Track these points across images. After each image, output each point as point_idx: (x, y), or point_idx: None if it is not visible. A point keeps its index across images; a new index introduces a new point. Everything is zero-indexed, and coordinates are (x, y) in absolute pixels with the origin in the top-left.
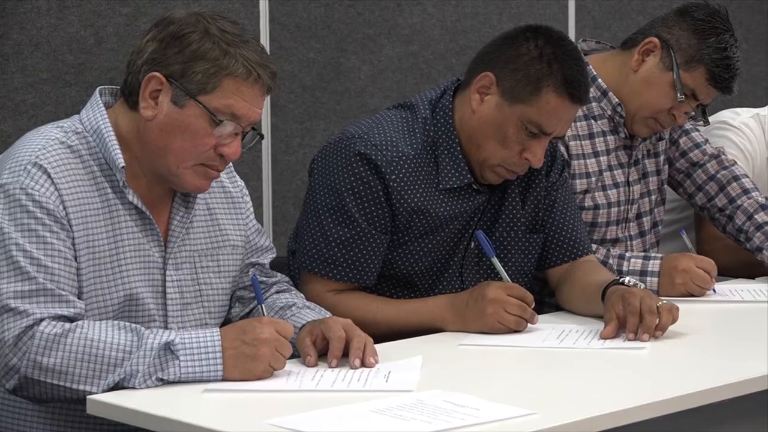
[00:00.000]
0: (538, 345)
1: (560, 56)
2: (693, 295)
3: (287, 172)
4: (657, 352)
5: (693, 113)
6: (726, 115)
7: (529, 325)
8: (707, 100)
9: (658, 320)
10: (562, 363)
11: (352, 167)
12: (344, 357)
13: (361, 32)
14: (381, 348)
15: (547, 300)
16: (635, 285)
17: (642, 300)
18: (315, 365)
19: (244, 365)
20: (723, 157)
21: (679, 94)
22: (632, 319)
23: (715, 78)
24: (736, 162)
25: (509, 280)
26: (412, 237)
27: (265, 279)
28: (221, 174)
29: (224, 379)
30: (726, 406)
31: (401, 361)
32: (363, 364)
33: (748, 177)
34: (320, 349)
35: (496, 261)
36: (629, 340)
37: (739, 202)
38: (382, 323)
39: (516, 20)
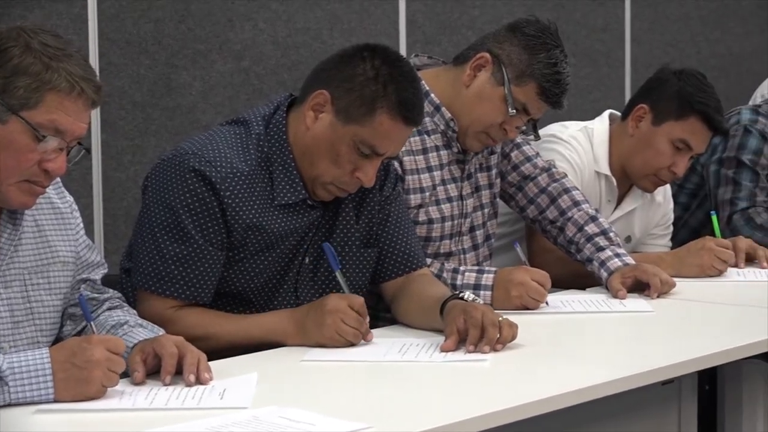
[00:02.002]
0: (379, 359)
1: (396, 78)
2: (528, 308)
3: (118, 189)
4: (498, 364)
5: (524, 128)
6: (555, 128)
7: (368, 340)
8: (538, 114)
9: (499, 334)
10: (404, 376)
11: (186, 184)
12: (179, 374)
13: (191, 48)
14: (217, 365)
15: (383, 314)
16: (474, 300)
17: (484, 314)
18: (142, 382)
19: (76, 388)
20: (554, 170)
21: (510, 109)
22: (474, 332)
23: (546, 93)
24: (566, 175)
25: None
26: (247, 254)
27: (96, 295)
28: (50, 190)
29: (56, 401)
30: (564, 414)
31: (237, 377)
32: (198, 381)
33: (578, 189)
34: (152, 367)
35: (339, 274)
36: (469, 352)
37: (569, 214)
38: (222, 338)
39: (347, 35)
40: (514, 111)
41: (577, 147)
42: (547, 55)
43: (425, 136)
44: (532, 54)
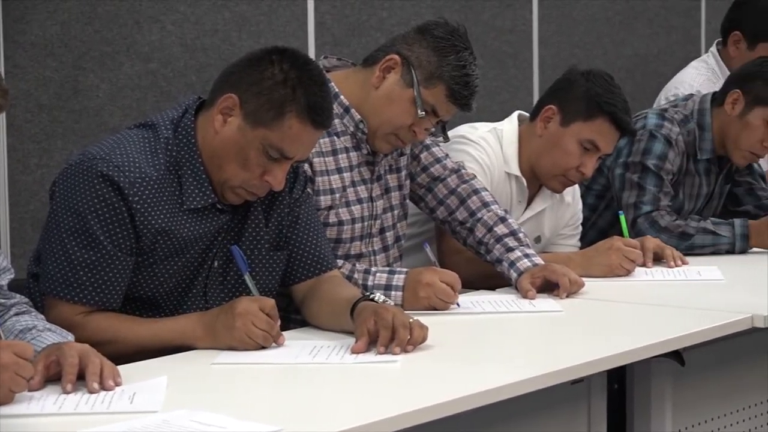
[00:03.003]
0: (291, 361)
1: (304, 81)
2: (436, 309)
3: (25, 193)
4: (409, 365)
5: (433, 129)
6: (464, 129)
7: (279, 343)
8: (447, 116)
9: (410, 335)
10: (315, 378)
11: (94, 189)
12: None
13: (98, 50)
14: (127, 369)
15: (293, 316)
16: (385, 302)
17: (395, 315)
18: (37, 388)
19: None
20: (463, 171)
21: (419, 111)
22: (384, 333)
23: (455, 95)
24: (475, 176)
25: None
26: (156, 258)
27: (3, 301)
28: None
29: None
30: (474, 414)
31: (147, 381)
32: (103, 387)
33: (487, 190)
34: (56, 374)
35: (248, 277)
36: (380, 353)
37: (479, 215)
38: (130, 342)
39: (256, 37)
40: (423, 113)
41: (487, 148)
42: (456, 58)
43: (335, 137)
44: (441, 56)
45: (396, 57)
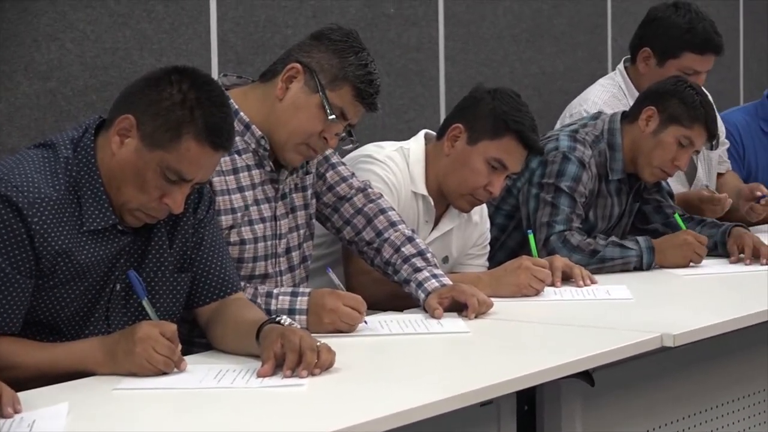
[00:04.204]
0: (195, 386)
1: (203, 102)
2: (343, 332)
3: None
4: (316, 389)
5: (344, 134)
6: (371, 149)
7: (180, 369)
8: (355, 119)
9: (317, 358)
10: (220, 403)
11: None
12: None
13: None
14: (26, 395)
15: (197, 340)
16: (291, 324)
17: (302, 338)
18: None
19: None
20: (369, 190)
21: (329, 114)
22: (291, 356)
23: (362, 94)
24: (382, 195)
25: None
26: (57, 281)
27: None
28: None
29: None
30: None
31: (47, 408)
32: (1, 415)
33: (394, 210)
34: None
35: (146, 302)
36: (286, 377)
37: (386, 235)
38: (29, 368)
39: (157, 55)
40: (334, 116)
41: (394, 167)
42: (357, 57)
43: (236, 155)
44: (342, 57)
45: (297, 65)
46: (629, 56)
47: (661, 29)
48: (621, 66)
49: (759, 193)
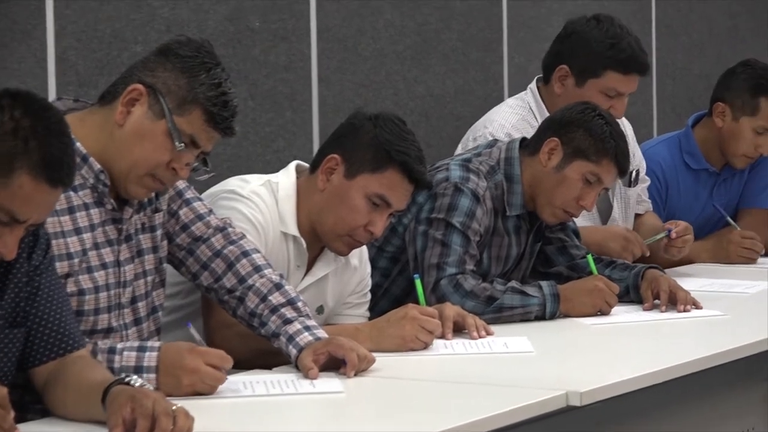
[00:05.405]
0: None
1: (40, 131)
2: (204, 394)
3: None
4: None
5: (195, 164)
6: (233, 183)
7: None
8: (209, 146)
9: (173, 424)
10: None
11: None
12: None
13: None
14: None
15: (32, 406)
16: (143, 385)
17: (155, 401)
18: None
19: None
20: (230, 230)
21: (177, 143)
22: (143, 423)
23: (215, 118)
24: (244, 235)
25: None
26: None
27: None
28: None
29: None
30: None
31: None
32: None
33: (259, 252)
34: None
35: None
36: None
37: (250, 281)
38: None
39: None
40: (182, 145)
41: (260, 204)
42: (209, 76)
43: (71, 193)
44: (191, 77)
45: (139, 87)
46: (542, 75)
47: (580, 45)
48: (533, 85)
49: (668, 226)
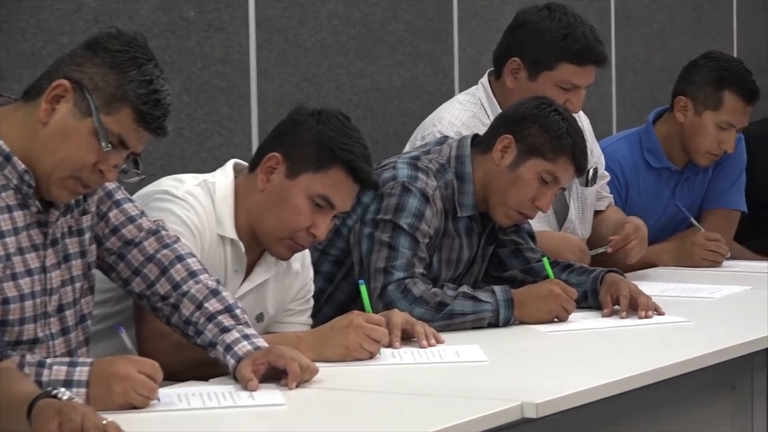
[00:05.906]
0: None
1: None
2: (135, 406)
3: None
4: None
5: (125, 166)
6: (167, 183)
7: None
8: (139, 146)
9: None
10: None
11: None
12: None
13: None
14: None
15: None
16: (71, 398)
17: (84, 415)
18: None
19: None
20: (163, 233)
21: (104, 144)
22: None
23: (145, 117)
24: (179, 238)
25: None
26: None
27: None
28: None
29: None
30: None
31: None
32: None
33: (195, 256)
34: None
35: None
36: None
37: (185, 287)
38: None
39: None
40: (109, 146)
41: (196, 205)
42: (140, 72)
43: None
44: (120, 73)
45: (65, 82)
46: (493, 69)
47: (532, 36)
48: (484, 80)
49: (611, 237)
